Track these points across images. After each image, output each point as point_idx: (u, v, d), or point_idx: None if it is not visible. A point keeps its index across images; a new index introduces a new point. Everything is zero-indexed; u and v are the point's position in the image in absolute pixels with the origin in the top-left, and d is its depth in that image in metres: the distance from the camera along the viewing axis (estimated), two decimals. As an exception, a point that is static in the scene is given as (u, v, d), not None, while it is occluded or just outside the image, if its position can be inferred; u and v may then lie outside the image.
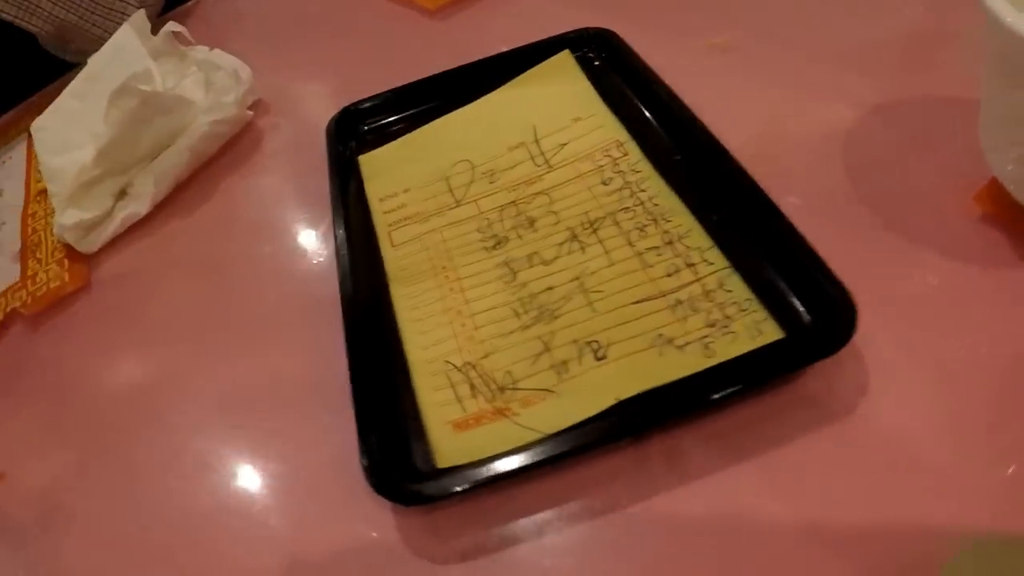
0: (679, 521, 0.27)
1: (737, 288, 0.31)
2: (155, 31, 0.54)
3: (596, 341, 0.31)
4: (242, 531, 0.31)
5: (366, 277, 0.37)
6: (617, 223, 0.35)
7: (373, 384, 0.32)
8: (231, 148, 0.51)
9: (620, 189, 0.37)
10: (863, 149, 0.37)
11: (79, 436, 0.38)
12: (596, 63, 0.45)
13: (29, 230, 0.49)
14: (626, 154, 0.38)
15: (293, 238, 0.44)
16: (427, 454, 0.30)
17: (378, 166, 0.43)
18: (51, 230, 0.48)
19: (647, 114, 0.40)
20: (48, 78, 0.65)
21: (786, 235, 0.31)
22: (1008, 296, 0.30)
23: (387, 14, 0.59)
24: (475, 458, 0.28)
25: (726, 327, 0.30)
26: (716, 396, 0.28)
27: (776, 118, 0.40)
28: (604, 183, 0.37)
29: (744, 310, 0.30)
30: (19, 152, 0.56)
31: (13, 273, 0.46)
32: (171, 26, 0.55)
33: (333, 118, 0.46)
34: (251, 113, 0.52)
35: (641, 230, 0.34)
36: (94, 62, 0.52)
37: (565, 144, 0.40)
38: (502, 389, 0.31)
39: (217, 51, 0.54)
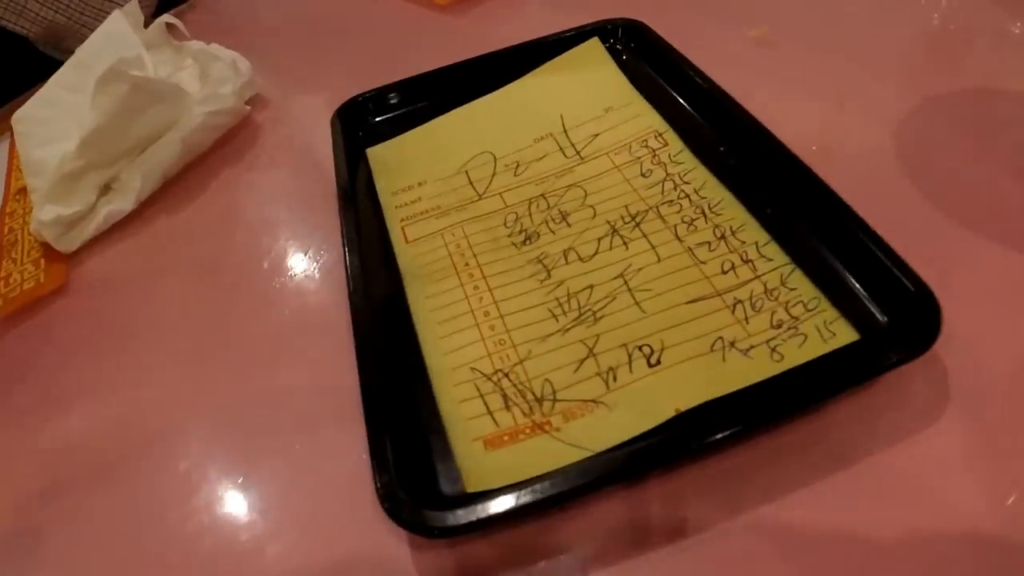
0: (755, 550, 0.23)
1: (802, 285, 0.28)
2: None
3: (648, 345, 0.27)
4: (238, 566, 0.27)
5: (378, 277, 0.33)
6: (661, 216, 0.32)
7: (388, 395, 0.28)
8: (227, 143, 0.47)
9: (662, 181, 0.33)
10: (915, 141, 0.34)
11: (49, 451, 0.33)
12: (624, 56, 0.41)
13: (5, 229, 0.45)
14: (666, 144, 0.35)
15: (295, 237, 0.40)
16: (453, 475, 0.26)
17: (389, 159, 0.39)
18: (28, 229, 0.43)
19: (685, 104, 0.37)
20: (40, 77, 0.61)
21: (855, 229, 0.28)
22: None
23: (395, 10, 0.56)
24: (510, 480, 0.24)
25: (794, 328, 0.26)
26: (793, 405, 0.25)
27: (821, 111, 0.37)
28: (643, 175, 0.34)
29: (811, 310, 0.27)
30: (1, 150, 0.52)
31: (-15, 274, 0.42)
32: (165, 18, 0.52)
33: (339, 108, 0.42)
34: (249, 108, 0.48)
35: (689, 224, 0.31)
36: (83, 50, 0.48)
37: (597, 135, 0.37)
38: (540, 400, 0.27)
39: (214, 44, 0.51)
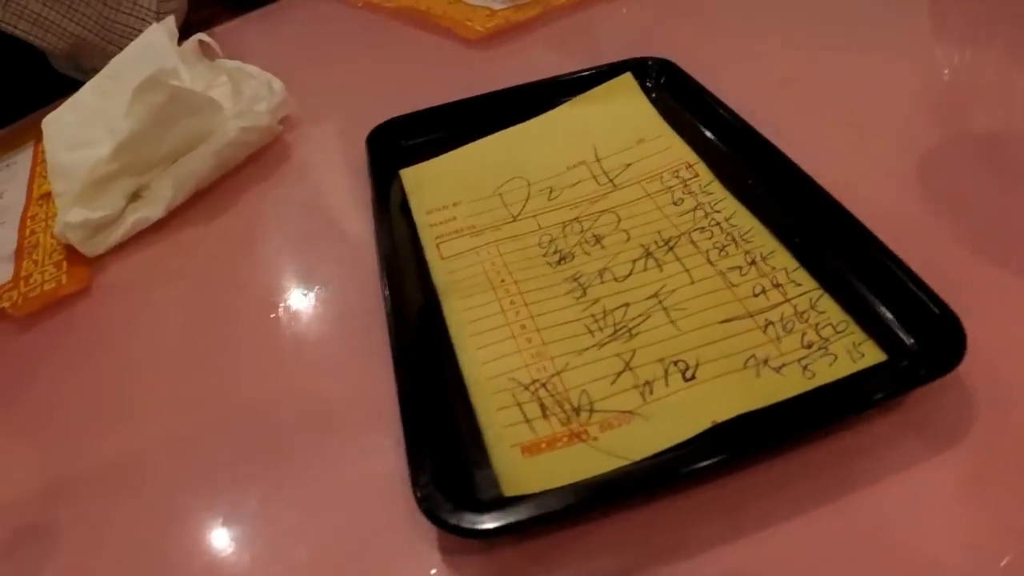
0: (788, 562, 0.24)
1: (830, 309, 0.29)
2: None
3: (683, 360, 0.28)
4: (265, 570, 0.27)
5: (414, 289, 0.34)
6: (694, 242, 0.33)
7: (425, 402, 0.29)
8: (258, 159, 0.48)
9: (694, 209, 0.34)
10: (936, 176, 0.36)
11: (63, 451, 0.33)
12: (654, 93, 0.43)
13: (27, 231, 0.45)
14: (696, 175, 0.36)
15: (327, 251, 0.40)
16: (489, 481, 0.26)
17: (422, 180, 0.40)
18: (51, 233, 0.44)
19: (714, 139, 0.39)
20: (60, 93, 0.62)
21: (881, 256, 0.29)
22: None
23: (426, 43, 0.58)
24: (548, 486, 0.25)
25: (824, 348, 0.27)
26: (824, 419, 0.25)
27: (844, 147, 0.39)
28: (675, 203, 0.35)
29: (840, 332, 0.28)
30: (25, 157, 0.53)
31: (5, 273, 0.42)
32: (199, 36, 0.53)
33: (375, 128, 0.44)
34: (281, 127, 0.49)
35: (721, 250, 0.32)
36: (118, 60, 0.50)
37: (630, 164, 0.38)
38: (578, 410, 0.27)
39: (248, 64, 0.52)
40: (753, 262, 0.31)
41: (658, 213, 0.35)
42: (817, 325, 0.28)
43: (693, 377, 0.27)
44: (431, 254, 0.35)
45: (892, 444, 0.26)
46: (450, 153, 0.42)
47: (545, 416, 0.27)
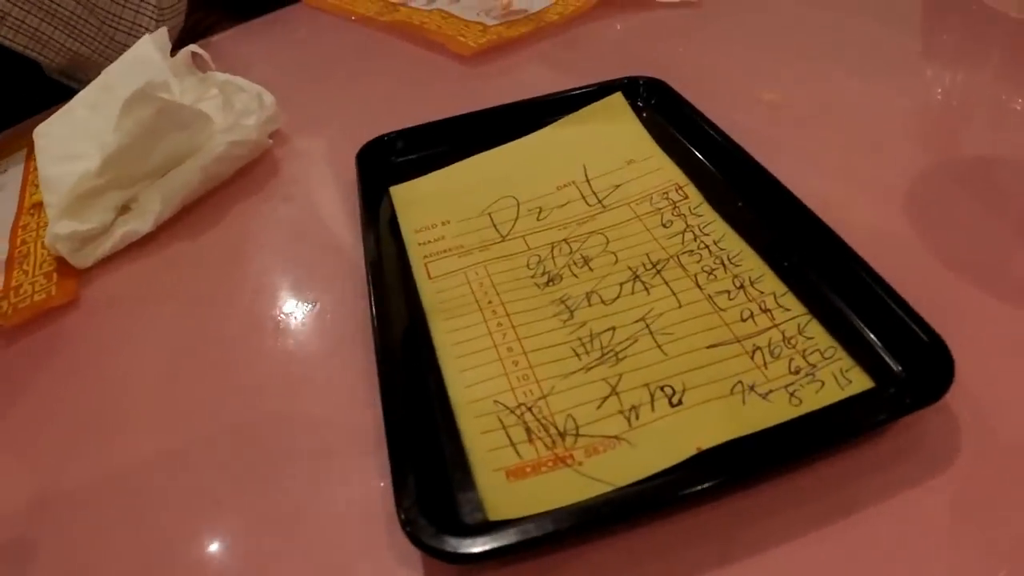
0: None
1: (818, 335, 0.29)
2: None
3: (670, 386, 0.28)
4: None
5: (400, 310, 0.34)
6: (682, 265, 0.33)
7: (409, 424, 0.28)
8: (247, 174, 0.48)
9: (683, 232, 0.34)
10: (923, 203, 0.36)
11: (45, 466, 0.32)
12: (644, 113, 0.43)
13: (18, 241, 0.45)
14: (686, 197, 0.36)
15: (315, 269, 0.40)
16: (473, 505, 0.26)
17: (412, 198, 0.40)
18: (42, 243, 0.43)
19: (704, 160, 0.39)
20: (53, 100, 0.62)
21: (869, 282, 0.30)
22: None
23: (419, 59, 0.58)
24: (532, 511, 0.25)
25: (811, 375, 0.27)
26: (811, 446, 0.25)
27: (832, 171, 0.39)
28: (664, 225, 0.35)
29: (828, 358, 0.28)
30: (16, 165, 0.53)
31: (-6, 284, 0.42)
32: (191, 48, 0.53)
33: (364, 145, 0.43)
34: (271, 141, 0.49)
35: (709, 273, 0.32)
36: (109, 72, 0.49)
37: (619, 185, 0.38)
38: (563, 435, 0.27)
39: (239, 77, 0.52)
40: (741, 286, 0.31)
41: (647, 235, 0.35)
42: (805, 351, 0.28)
43: (680, 403, 0.27)
44: (419, 273, 0.35)
45: (880, 470, 0.26)
46: (440, 171, 0.41)
47: (530, 440, 0.27)
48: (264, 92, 0.50)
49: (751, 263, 0.32)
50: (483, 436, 0.28)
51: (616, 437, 0.27)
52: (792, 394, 0.27)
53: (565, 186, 0.39)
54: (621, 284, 0.32)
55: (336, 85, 0.58)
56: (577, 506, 0.25)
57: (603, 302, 0.32)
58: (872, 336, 0.29)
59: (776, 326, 0.29)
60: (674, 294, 0.31)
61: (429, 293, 0.34)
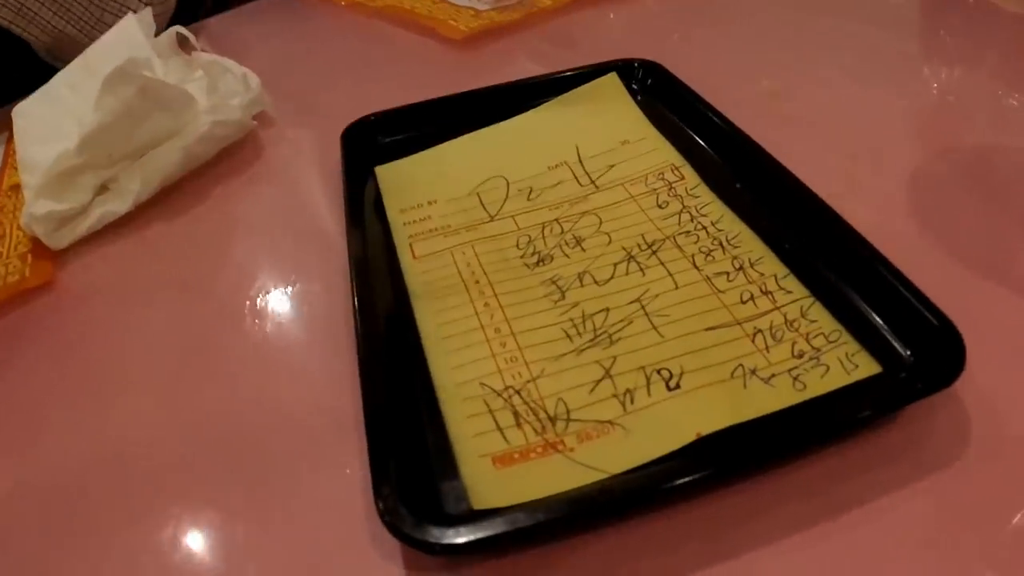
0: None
1: (822, 318, 0.27)
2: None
3: (667, 369, 0.26)
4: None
5: (384, 292, 0.32)
6: (679, 246, 0.31)
7: (390, 410, 0.27)
8: (230, 155, 0.46)
9: (679, 213, 0.33)
10: (925, 194, 0.35)
11: (16, 450, 0.31)
12: (639, 96, 0.42)
13: (-8, 223, 0.43)
14: (682, 178, 0.35)
15: (296, 249, 0.39)
16: (455, 495, 0.25)
17: (398, 178, 0.39)
18: (17, 225, 0.42)
19: (701, 142, 0.37)
20: (42, 82, 0.61)
21: (876, 264, 0.28)
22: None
23: (409, 43, 0.57)
24: (520, 500, 0.23)
25: (816, 359, 0.26)
26: (817, 434, 0.24)
27: (833, 159, 0.37)
28: (660, 206, 0.34)
29: (833, 342, 0.27)
30: (-3, 147, 0.51)
31: (-33, 266, 0.40)
32: (177, 29, 0.51)
33: (350, 125, 0.42)
34: (255, 123, 0.48)
35: (707, 254, 0.31)
36: (91, 51, 0.48)
37: (613, 166, 0.37)
38: (553, 420, 0.26)
39: (225, 58, 0.50)
40: (741, 268, 0.30)
41: (642, 216, 0.33)
42: (808, 334, 0.27)
43: (677, 386, 0.26)
44: (404, 254, 0.34)
45: (888, 462, 0.24)
46: (428, 151, 0.40)
47: (519, 425, 0.26)
48: (250, 73, 0.48)
49: (750, 245, 0.31)
50: (468, 420, 0.26)
51: (610, 422, 0.25)
52: (796, 378, 0.25)
53: (557, 166, 0.37)
54: (615, 264, 0.31)
55: (324, 69, 0.57)
56: (569, 495, 0.23)
57: (596, 283, 0.30)
58: (878, 320, 0.27)
59: (778, 308, 0.28)
60: (670, 275, 0.30)
61: (414, 274, 0.33)
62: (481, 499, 0.24)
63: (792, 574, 0.22)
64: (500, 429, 0.26)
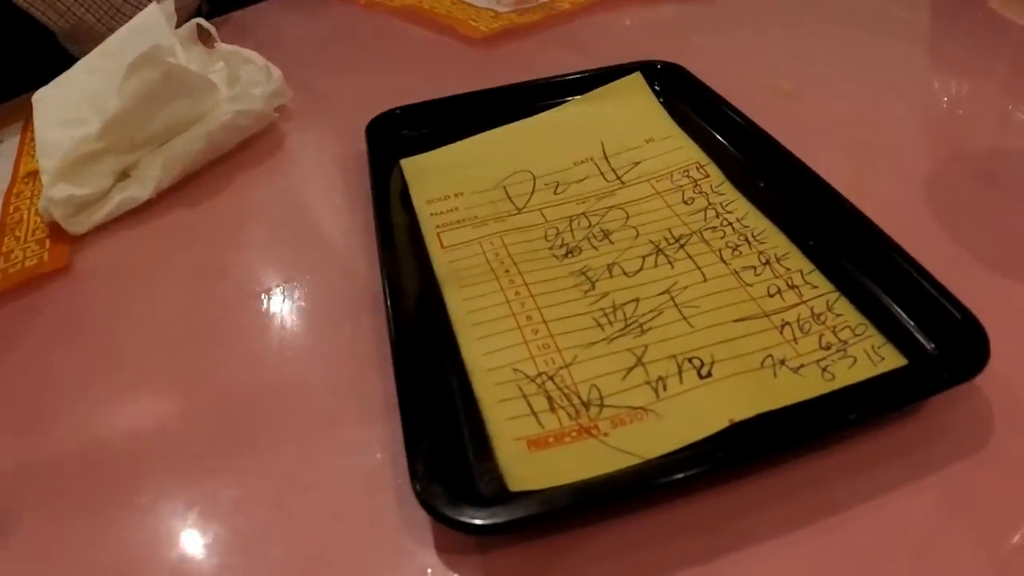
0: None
1: (847, 312, 0.28)
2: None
3: (698, 357, 0.27)
4: (244, 568, 0.25)
5: (413, 279, 0.33)
6: (706, 241, 0.32)
7: (423, 392, 0.27)
8: (251, 145, 0.46)
9: (704, 209, 0.34)
10: (943, 193, 0.36)
11: (26, 433, 0.31)
12: (661, 97, 0.42)
13: (11, 209, 0.43)
14: (707, 175, 0.35)
15: (318, 240, 0.39)
16: (490, 475, 0.25)
17: (424, 170, 0.39)
18: (36, 210, 0.42)
19: (723, 142, 0.38)
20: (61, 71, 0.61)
21: (898, 259, 0.29)
22: None
23: (428, 42, 0.57)
24: (556, 482, 0.23)
25: (843, 351, 0.26)
26: (845, 421, 0.25)
27: (850, 158, 0.38)
28: (685, 202, 0.34)
29: (859, 335, 0.27)
30: (13, 135, 0.51)
31: (-15, 249, 0.40)
32: (198, 20, 0.52)
33: (376, 117, 0.42)
34: (276, 115, 0.48)
35: (734, 249, 0.31)
36: (113, 39, 0.48)
37: (638, 163, 0.37)
38: (587, 405, 0.26)
39: (247, 50, 0.51)
40: (767, 262, 0.30)
41: (668, 211, 0.34)
42: (835, 327, 0.27)
43: (709, 374, 0.26)
44: (431, 243, 0.34)
45: (908, 454, 0.25)
46: (453, 144, 0.40)
47: (553, 410, 0.26)
48: (271, 66, 0.49)
49: (776, 240, 0.31)
50: (502, 404, 0.26)
51: (643, 408, 0.25)
52: (824, 369, 0.26)
53: (583, 162, 0.38)
54: (643, 257, 0.31)
55: (343, 67, 0.57)
56: (603, 478, 0.23)
57: (625, 274, 0.31)
58: (902, 314, 0.28)
59: (804, 302, 0.29)
60: (699, 268, 0.30)
61: (442, 263, 0.33)
62: (517, 481, 0.24)
63: (808, 562, 0.23)
64: (535, 413, 0.26)
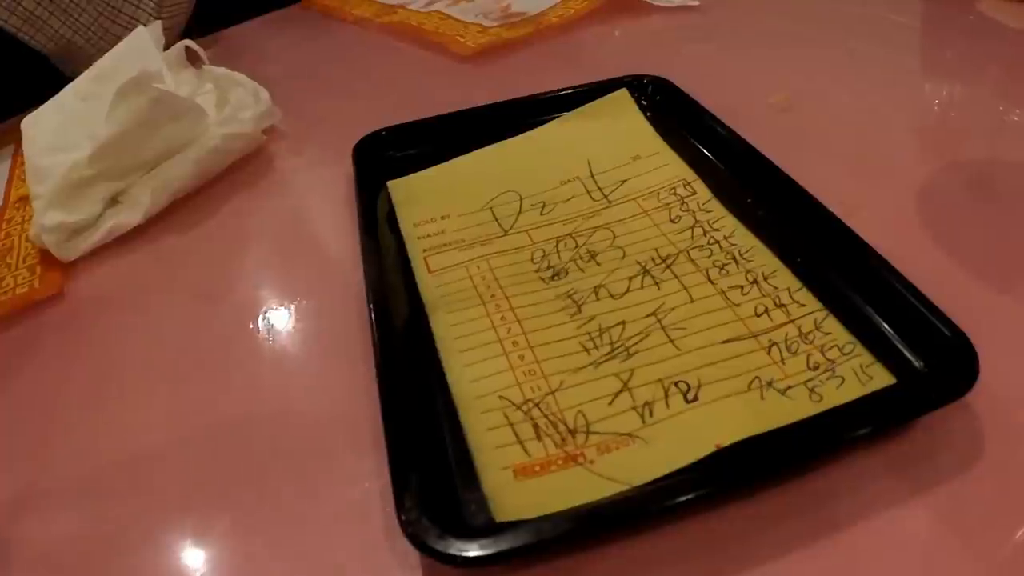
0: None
1: (836, 331, 0.28)
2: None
3: (684, 381, 0.27)
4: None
5: (399, 304, 0.33)
6: (692, 260, 0.32)
7: (410, 421, 0.27)
8: (241, 168, 0.46)
9: (692, 227, 0.33)
10: (934, 205, 0.35)
11: (21, 463, 0.31)
12: (648, 112, 0.42)
13: (2, 234, 0.43)
14: (694, 193, 0.35)
15: (309, 264, 0.39)
16: (477, 506, 0.25)
17: (411, 192, 0.39)
18: (26, 236, 0.42)
19: (711, 157, 0.38)
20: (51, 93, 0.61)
21: (887, 276, 0.29)
22: None
23: (417, 59, 0.57)
24: (542, 511, 0.23)
25: (830, 371, 0.26)
26: (833, 442, 0.24)
27: (841, 173, 0.38)
28: (672, 220, 0.34)
29: (847, 354, 0.27)
30: (4, 159, 0.51)
31: (-24, 277, 0.40)
32: (186, 42, 0.52)
33: (362, 138, 0.42)
34: (265, 137, 0.48)
35: (721, 268, 0.31)
36: (102, 63, 0.48)
37: (625, 181, 0.37)
38: (573, 432, 0.26)
39: (235, 72, 0.51)
40: (755, 281, 0.30)
41: (655, 230, 0.34)
42: (823, 347, 0.27)
43: (695, 398, 0.26)
44: (418, 267, 0.34)
45: (899, 471, 0.25)
46: (440, 165, 0.40)
47: (539, 437, 0.26)
48: (260, 88, 0.49)
49: (764, 258, 0.31)
50: (489, 433, 0.26)
51: (629, 434, 0.25)
52: (812, 390, 0.26)
53: (569, 181, 0.38)
54: (630, 278, 0.31)
55: (333, 85, 0.57)
56: (591, 506, 0.23)
57: (611, 296, 0.31)
58: (891, 332, 0.28)
59: (792, 321, 0.28)
60: (685, 288, 0.30)
61: (429, 287, 0.33)
62: (503, 511, 0.24)
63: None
64: (520, 442, 0.26)
